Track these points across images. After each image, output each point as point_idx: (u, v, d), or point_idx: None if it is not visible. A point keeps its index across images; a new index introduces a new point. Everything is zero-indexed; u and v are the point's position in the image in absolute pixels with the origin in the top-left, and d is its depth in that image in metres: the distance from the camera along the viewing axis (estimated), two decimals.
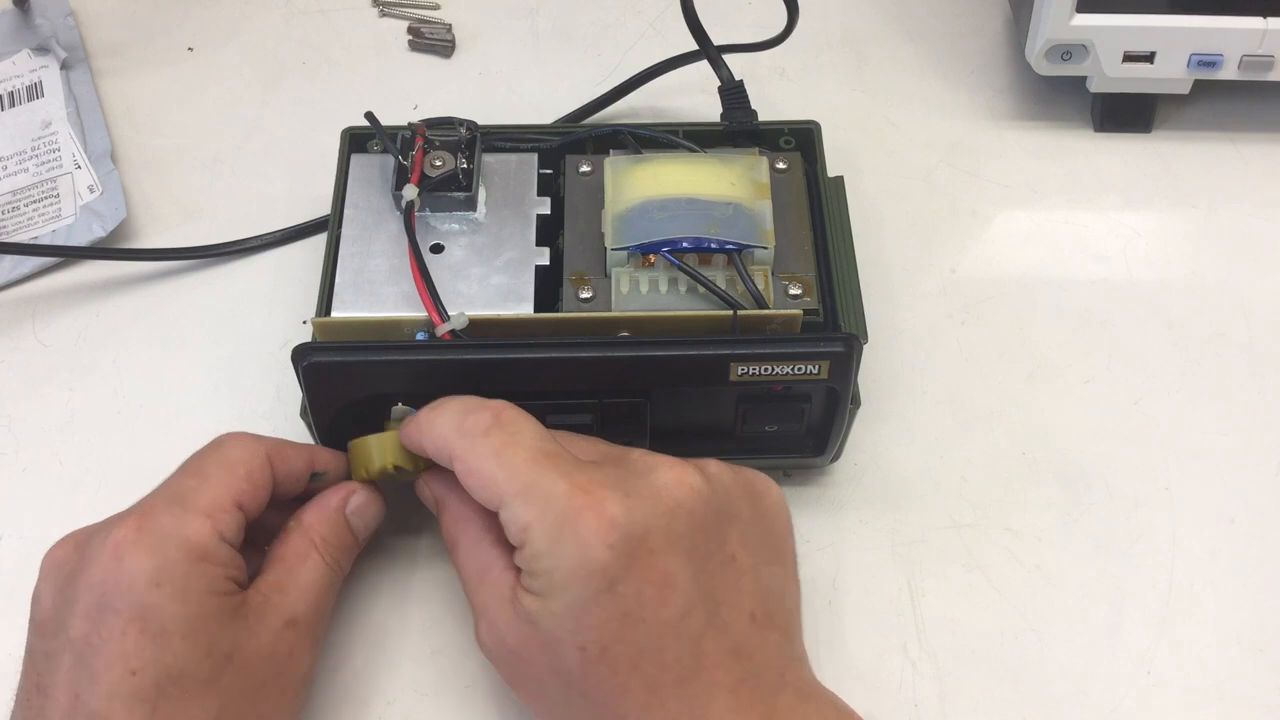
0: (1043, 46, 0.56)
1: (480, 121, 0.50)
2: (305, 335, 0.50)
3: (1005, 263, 0.56)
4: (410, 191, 0.47)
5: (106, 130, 0.60)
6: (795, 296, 0.45)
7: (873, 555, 0.47)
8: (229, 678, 0.37)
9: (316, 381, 0.42)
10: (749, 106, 0.52)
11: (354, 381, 0.42)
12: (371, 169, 0.50)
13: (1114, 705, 0.44)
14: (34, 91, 0.61)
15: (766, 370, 0.42)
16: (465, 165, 0.48)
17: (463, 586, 0.41)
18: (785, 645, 0.39)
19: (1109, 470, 0.49)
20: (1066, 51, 0.56)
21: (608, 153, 0.50)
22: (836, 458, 0.48)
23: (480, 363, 0.42)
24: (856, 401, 0.46)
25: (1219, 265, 0.55)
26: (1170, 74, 0.56)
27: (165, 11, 0.66)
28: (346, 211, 0.48)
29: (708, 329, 0.43)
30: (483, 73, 0.64)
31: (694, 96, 0.60)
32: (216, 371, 0.52)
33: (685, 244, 0.44)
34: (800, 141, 0.51)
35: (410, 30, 0.65)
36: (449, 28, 0.65)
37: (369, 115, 0.50)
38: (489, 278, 0.46)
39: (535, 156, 0.50)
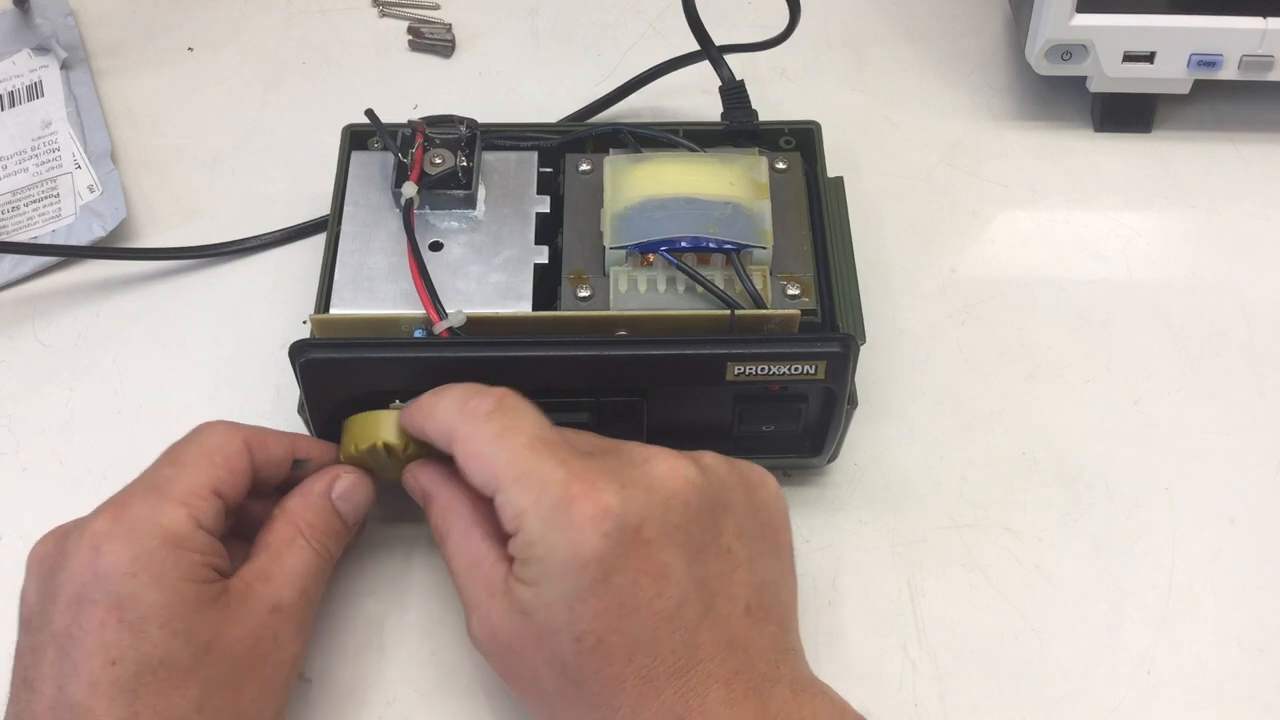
0: (1043, 46, 0.56)
1: (480, 121, 0.50)
2: (305, 335, 0.50)
3: (1005, 263, 0.56)
4: (410, 189, 0.47)
5: (106, 130, 0.60)
6: (793, 297, 0.45)
7: (873, 555, 0.47)
8: (210, 665, 0.37)
9: (313, 378, 0.42)
10: (749, 106, 0.52)
11: (351, 378, 0.42)
12: (372, 166, 0.50)
13: (1114, 705, 0.44)
14: (34, 91, 0.61)
15: (763, 370, 0.42)
16: (465, 163, 0.48)
17: (453, 579, 0.40)
18: (780, 637, 0.39)
19: (1109, 470, 0.49)
20: (1066, 51, 0.56)
21: (608, 152, 0.50)
22: (834, 458, 0.48)
23: (477, 360, 0.42)
24: (854, 402, 0.46)
25: (1219, 265, 0.55)
26: (1170, 74, 0.56)
27: (165, 11, 0.66)
28: (346, 209, 0.48)
29: (705, 328, 0.43)
30: (483, 73, 0.64)
31: (694, 96, 0.60)
32: (216, 371, 0.52)
33: (684, 243, 0.44)
34: (800, 141, 0.51)
35: (410, 30, 0.65)
36: (449, 28, 0.65)
37: (369, 112, 0.50)
38: (488, 276, 0.46)
39: (535, 155, 0.50)
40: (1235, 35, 0.54)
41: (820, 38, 0.65)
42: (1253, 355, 0.52)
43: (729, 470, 0.40)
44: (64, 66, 0.62)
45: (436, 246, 0.47)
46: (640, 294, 0.45)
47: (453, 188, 0.48)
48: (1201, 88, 0.58)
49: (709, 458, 0.39)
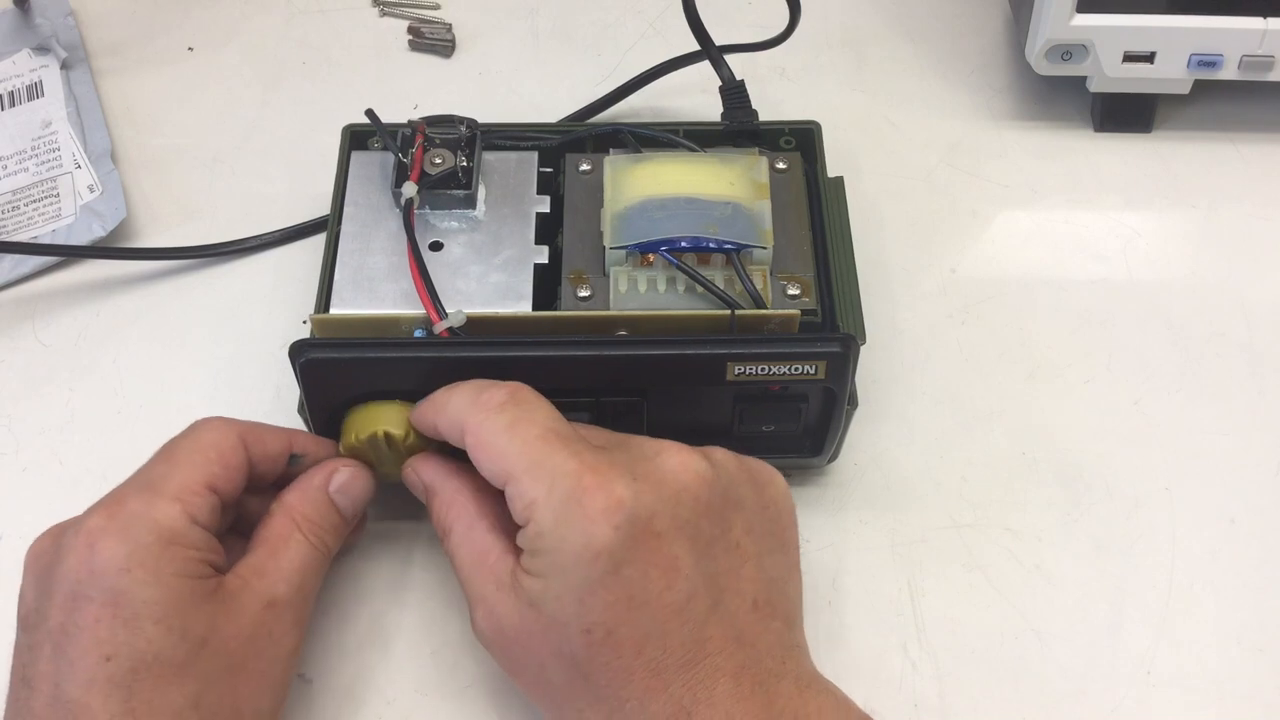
0: (1043, 46, 0.56)
1: (480, 121, 0.50)
2: (305, 335, 0.50)
3: (1005, 263, 0.56)
4: (410, 189, 0.47)
5: (106, 130, 0.60)
6: (793, 297, 0.45)
7: (873, 555, 0.47)
8: (206, 661, 0.37)
9: (313, 378, 0.42)
10: (749, 106, 0.52)
11: (350, 378, 0.42)
12: (372, 166, 0.50)
13: (1114, 705, 0.44)
14: (34, 91, 0.61)
15: (763, 370, 0.42)
16: (465, 163, 0.48)
17: (456, 573, 0.40)
18: (787, 633, 0.39)
19: (1109, 470, 0.49)
20: (1066, 51, 0.56)
21: (608, 151, 0.50)
22: (834, 458, 0.48)
23: (477, 360, 0.42)
24: (854, 402, 0.46)
25: (1219, 265, 0.55)
26: (1170, 74, 0.56)
27: (165, 11, 0.66)
28: (346, 208, 0.48)
29: (705, 328, 0.43)
30: (483, 73, 0.64)
31: (694, 96, 0.60)
32: (216, 371, 0.52)
33: (684, 243, 0.44)
34: (800, 141, 0.51)
35: (410, 30, 0.65)
36: (449, 28, 0.65)
37: (369, 112, 0.50)
38: (488, 275, 0.46)
39: (535, 155, 0.50)
40: (1235, 35, 0.54)
41: (820, 38, 0.65)
42: (1253, 355, 0.52)
43: (739, 466, 0.40)
44: (64, 66, 0.62)
45: (436, 246, 0.47)
46: (640, 294, 0.45)
47: (453, 188, 0.48)
48: (1201, 88, 0.58)
49: (719, 453, 0.40)
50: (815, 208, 0.49)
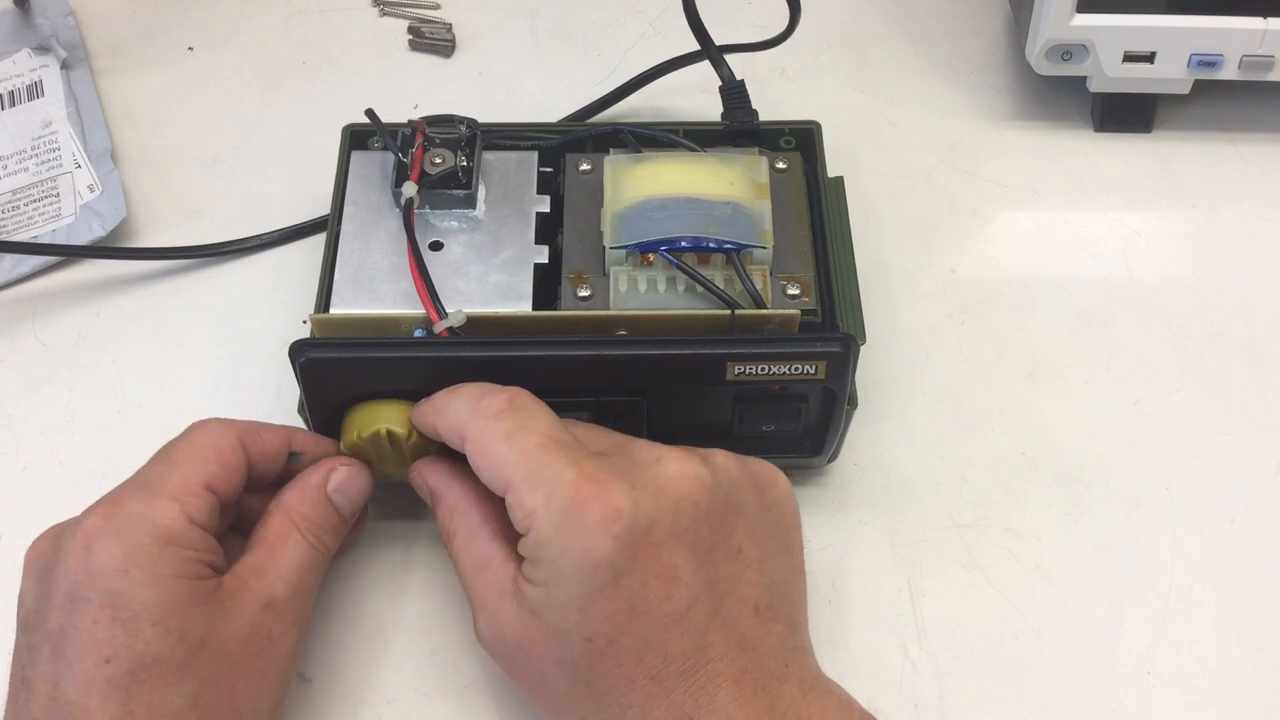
0: (1043, 46, 0.56)
1: (480, 121, 0.50)
2: (305, 334, 0.50)
3: (1005, 263, 0.56)
4: (410, 189, 0.47)
5: (106, 130, 0.60)
6: (793, 296, 0.45)
7: (873, 555, 0.47)
8: (204, 662, 0.37)
9: (313, 378, 0.42)
10: (749, 106, 0.52)
11: (350, 378, 0.42)
12: (372, 166, 0.50)
13: (1114, 705, 0.44)
14: (34, 91, 0.61)
15: (763, 370, 0.42)
16: (465, 163, 0.48)
17: (460, 579, 0.40)
18: (790, 636, 0.39)
19: (1109, 470, 0.49)
20: (1066, 51, 0.56)
21: (608, 151, 0.50)
22: (834, 458, 0.48)
23: (477, 360, 0.42)
24: (854, 402, 0.46)
25: (1219, 265, 0.55)
26: (1170, 74, 0.56)
27: (165, 11, 0.66)
28: (346, 208, 0.48)
29: (705, 328, 0.43)
30: (483, 73, 0.64)
31: (694, 96, 0.60)
32: (216, 371, 0.52)
33: (684, 243, 0.44)
34: (800, 141, 0.51)
35: (410, 30, 0.65)
36: (449, 27, 0.65)
37: (369, 112, 0.50)
38: (488, 275, 0.46)
39: (535, 154, 0.50)
40: (1235, 35, 0.54)
41: (820, 38, 0.65)
42: (1253, 355, 0.52)
43: (740, 470, 0.40)
44: (64, 66, 0.62)
45: (436, 246, 0.47)
46: (640, 294, 0.45)
47: (453, 187, 0.48)
48: (1201, 88, 0.58)
49: (720, 457, 0.39)
50: (815, 208, 0.49)
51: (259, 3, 0.67)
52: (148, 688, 0.36)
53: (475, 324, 0.44)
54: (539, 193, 0.49)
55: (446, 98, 0.62)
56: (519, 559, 0.38)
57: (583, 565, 0.36)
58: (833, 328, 0.45)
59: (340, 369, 0.42)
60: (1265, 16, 0.54)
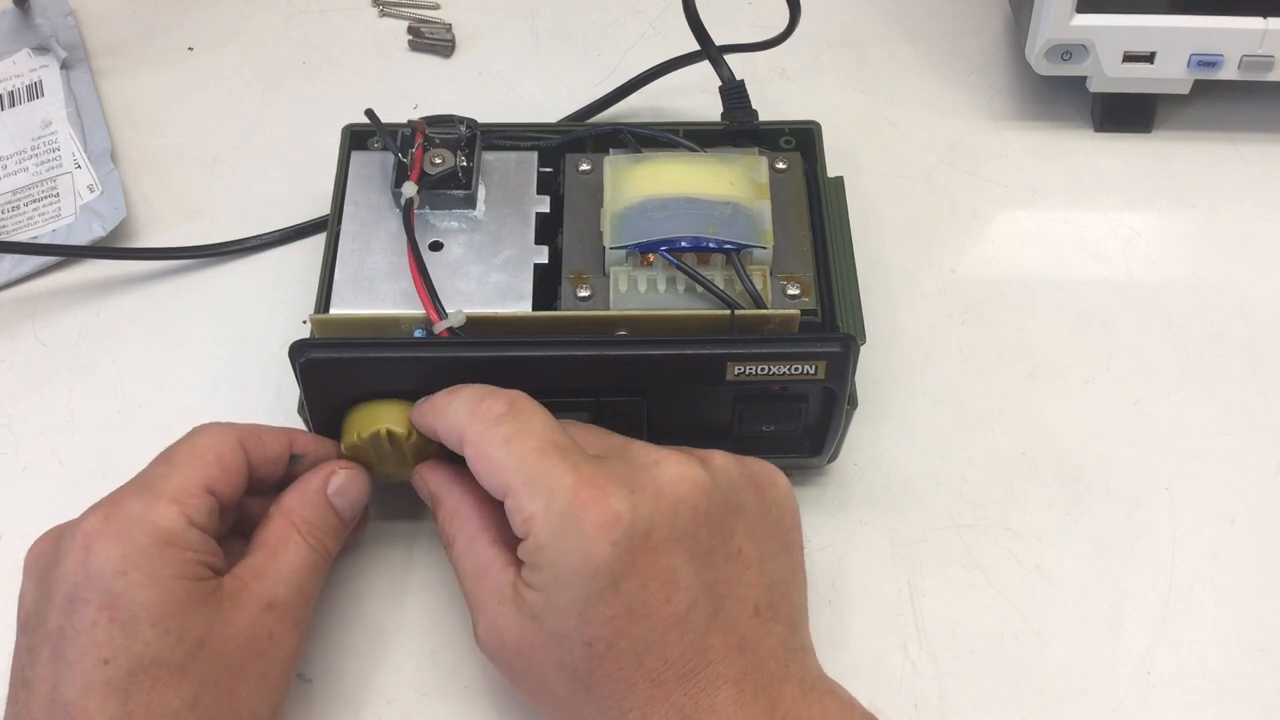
0: (1043, 46, 0.56)
1: (480, 121, 0.50)
2: (305, 335, 0.50)
3: (1005, 263, 0.56)
4: (410, 189, 0.47)
5: (106, 130, 0.60)
6: (793, 297, 0.45)
7: (873, 555, 0.47)
8: (204, 663, 0.37)
9: (313, 378, 0.42)
10: (749, 106, 0.52)
11: (350, 378, 0.42)
12: (372, 166, 0.50)
13: (1114, 705, 0.44)
14: (34, 91, 0.61)
15: (763, 370, 0.42)
16: (465, 163, 0.48)
17: (460, 584, 0.40)
18: (790, 637, 0.39)
19: (1109, 470, 0.49)
20: (1066, 51, 0.56)
21: (608, 151, 0.50)
22: (834, 458, 0.48)
23: (477, 360, 0.42)
24: (854, 402, 0.46)
25: (1219, 265, 0.55)
26: (1170, 74, 0.56)
27: (165, 11, 0.66)
28: (346, 208, 0.48)
29: (705, 328, 0.43)
30: (483, 73, 0.64)
31: (694, 96, 0.60)
32: (216, 371, 0.52)
33: (684, 243, 0.44)
34: (800, 141, 0.51)
35: (410, 30, 0.65)
36: (449, 28, 0.65)
37: (369, 112, 0.50)
38: (488, 275, 0.46)
39: (535, 155, 0.50)
40: (1235, 35, 0.54)
41: (820, 38, 0.65)
42: (1253, 355, 0.52)
43: (740, 471, 0.40)
44: (64, 66, 0.62)
45: (436, 246, 0.47)
46: (640, 294, 0.45)
47: (453, 188, 0.48)
48: (1201, 88, 0.58)
49: (719, 458, 0.39)
50: (815, 208, 0.49)
51: (259, 3, 0.67)
52: (146, 689, 0.36)
53: (475, 324, 0.44)
54: (539, 193, 0.49)
55: (446, 98, 0.62)
56: (518, 564, 0.38)
57: (581, 570, 0.36)
58: (833, 328, 0.45)
59: (340, 369, 0.42)
60: (1265, 16, 0.54)
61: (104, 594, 0.36)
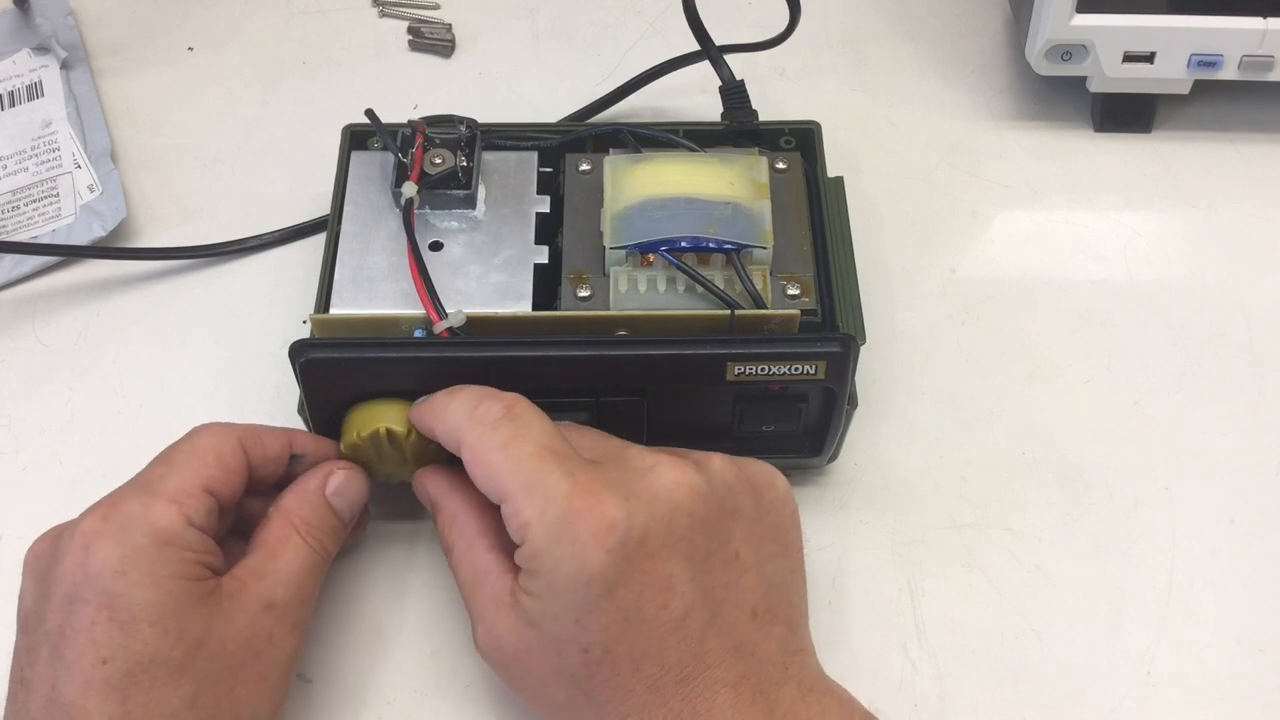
0: (1043, 46, 0.56)
1: (480, 121, 0.50)
2: (305, 335, 0.50)
3: (1005, 263, 0.56)
4: (410, 189, 0.47)
5: (106, 130, 0.60)
6: (793, 297, 0.45)
7: (873, 555, 0.47)
8: (203, 663, 0.37)
9: (313, 378, 0.42)
10: (749, 106, 0.52)
11: (350, 378, 0.42)
12: (372, 166, 0.50)
13: (1114, 705, 0.44)
14: (34, 91, 0.61)
15: (763, 370, 0.42)
16: (465, 163, 0.48)
17: (459, 589, 0.41)
18: (789, 639, 0.39)
19: (1109, 470, 0.49)
20: (1066, 51, 0.56)
21: (608, 151, 0.50)
22: (834, 458, 0.48)
23: (477, 360, 0.42)
24: (854, 402, 0.46)
25: (1219, 265, 0.55)
26: (1170, 74, 0.56)
27: (165, 11, 0.66)
28: (346, 208, 0.48)
29: (705, 328, 0.43)
30: (483, 73, 0.64)
31: (694, 96, 0.60)
32: (216, 371, 0.52)
33: (684, 243, 0.44)
34: (800, 141, 0.51)
35: (410, 30, 0.65)
36: (449, 28, 0.65)
37: (369, 112, 0.50)
38: (488, 275, 0.46)
39: (535, 155, 0.50)
40: (1235, 35, 0.54)
41: (820, 38, 0.65)
42: (1253, 355, 0.52)
43: (737, 474, 0.40)
44: (64, 66, 0.62)
45: (436, 246, 0.47)
46: (640, 294, 0.45)
47: (453, 188, 0.48)
48: (1201, 88, 0.58)
49: (717, 462, 0.39)
50: (815, 208, 0.49)
51: (259, 3, 0.67)
52: (145, 688, 0.36)
53: (475, 324, 0.44)
54: (539, 193, 0.49)
55: (446, 98, 0.62)
56: (516, 569, 0.38)
57: (577, 578, 0.36)
58: (833, 328, 0.45)
59: (340, 369, 0.42)
60: (1265, 16, 0.54)
61: (103, 594, 0.36)
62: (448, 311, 0.44)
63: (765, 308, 0.44)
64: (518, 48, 0.65)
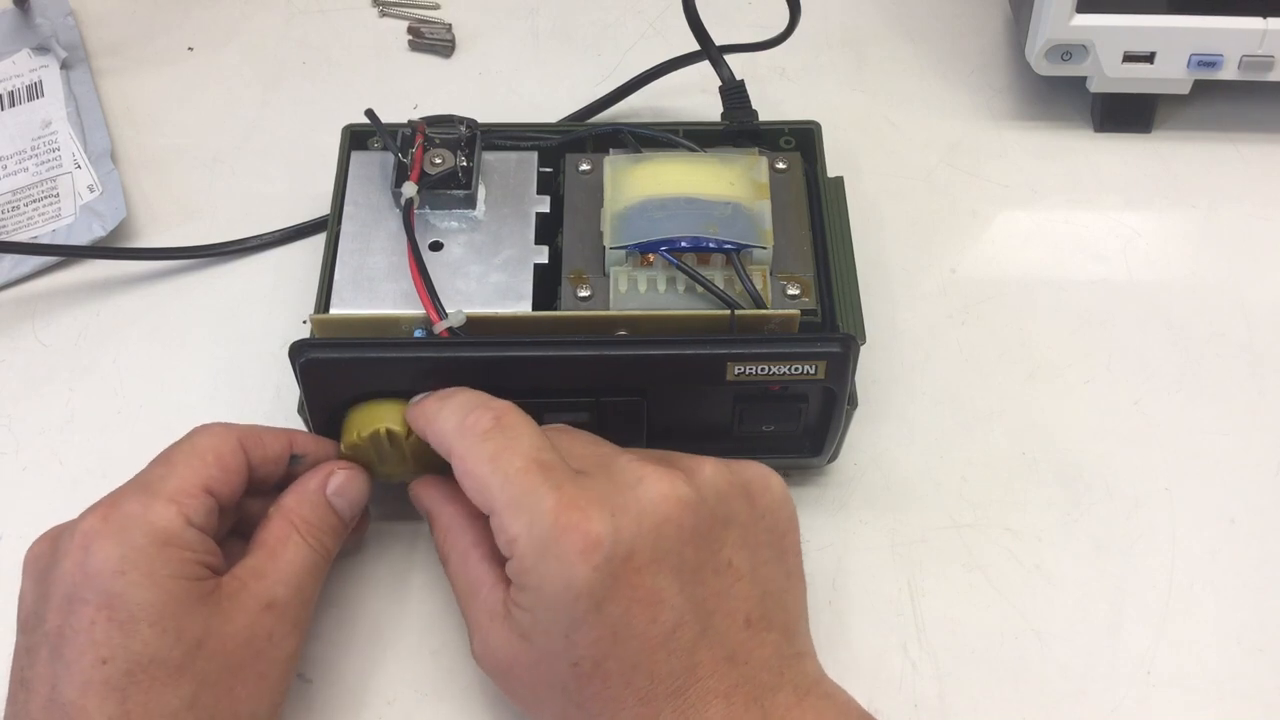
0: (1043, 46, 0.56)
1: (480, 121, 0.50)
2: (305, 335, 0.50)
3: (1005, 263, 0.56)
4: (410, 189, 0.47)
5: (106, 130, 0.60)
6: (793, 297, 0.45)
7: (873, 555, 0.47)
8: (202, 663, 0.37)
9: (313, 378, 0.42)
10: (749, 106, 0.52)
11: (350, 378, 0.42)
12: (372, 166, 0.50)
13: (1114, 705, 0.44)
14: (34, 91, 0.61)
15: (763, 370, 0.42)
16: (465, 163, 0.48)
17: (456, 600, 0.41)
18: (785, 644, 0.39)
19: (1109, 470, 0.49)
20: (1066, 51, 0.56)
21: (608, 151, 0.50)
22: (834, 458, 0.48)
23: (477, 360, 0.42)
24: (854, 402, 0.46)
25: (1219, 265, 0.55)
26: (1170, 74, 0.56)
27: (165, 11, 0.66)
28: (346, 208, 0.48)
29: (705, 328, 0.43)
30: (483, 73, 0.64)
31: (694, 96, 0.60)
32: (216, 371, 0.52)
33: (684, 243, 0.44)
34: (800, 141, 0.51)
35: (410, 30, 0.65)
36: (449, 28, 0.65)
37: (369, 112, 0.50)
38: (488, 275, 0.46)
39: (535, 155, 0.50)
40: (1235, 35, 0.54)
41: (820, 38, 0.65)
42: (1253, 355, 0.52)
43: (729, 480, 0.39)
44: (64, 66, 0.62)
45: (436, 246, 0.47)
46: (640, 294, 0.45)
47: (453, 188, 0.48)
48: (1201, 88, 0.58)
49: (708, 468, 0.39)
50: (815, 208, 0.49)
51: (259, 3, 0.67)
52: (145, 688, 0.36)
53: (475, 324, 0.44)
54: (539, 193, 0.49)
55: (446, 98, 0.62)
56: (509, 581, 0.38)
57: (564, 594, 0.36)
58: (833, 328, 0.45)
59: (340, 369, 0.42)
60: (1265, 16, 0.54)
61: (102, 594, 0.36)
62: (448, 311, 0.44)
63: (765, 308, 0.44)
64: (518, 48, 0.65)
